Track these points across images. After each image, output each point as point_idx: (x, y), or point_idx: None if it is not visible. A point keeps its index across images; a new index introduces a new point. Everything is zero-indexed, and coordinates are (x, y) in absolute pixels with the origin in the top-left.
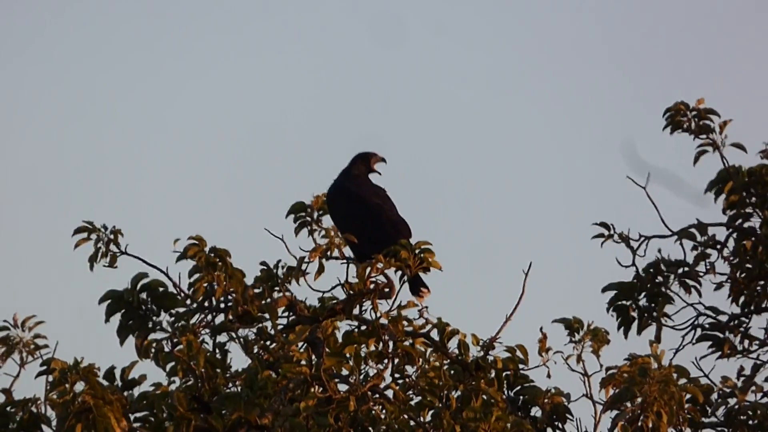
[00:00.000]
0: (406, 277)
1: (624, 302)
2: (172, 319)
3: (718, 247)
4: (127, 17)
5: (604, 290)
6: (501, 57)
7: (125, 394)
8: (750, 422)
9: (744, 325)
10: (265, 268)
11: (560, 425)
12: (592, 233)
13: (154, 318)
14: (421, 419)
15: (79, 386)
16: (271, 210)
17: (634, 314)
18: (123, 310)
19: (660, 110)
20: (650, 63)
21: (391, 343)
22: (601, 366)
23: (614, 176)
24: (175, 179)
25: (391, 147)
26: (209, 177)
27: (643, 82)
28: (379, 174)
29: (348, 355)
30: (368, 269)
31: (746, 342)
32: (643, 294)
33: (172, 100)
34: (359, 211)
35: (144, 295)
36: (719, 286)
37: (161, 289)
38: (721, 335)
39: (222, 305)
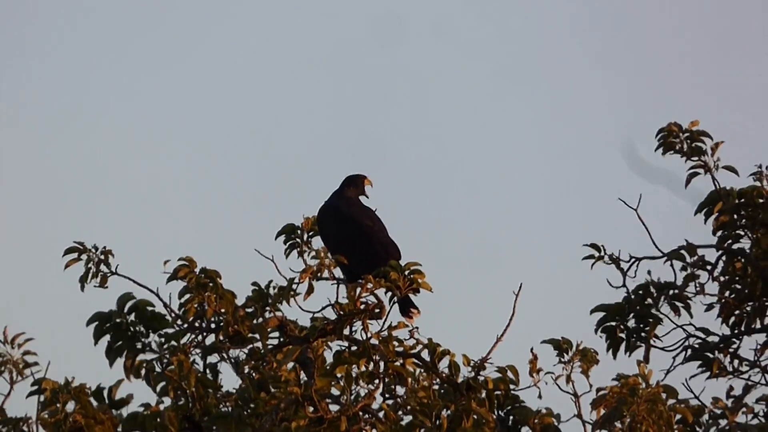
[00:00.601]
0: (396, 298)
1: (612, 323)
2: (161, 339)
3: (708, 268)
4: (120, 22)
5: (592, 312)
6: (501, 57)
7: (114, 413)
8: None
9: (734, 346)
10: (256, 288)
11: None
12: (582, 254)
13: (143, 339)
14: None
15: (71, 406)
16: (262, 230)
17: (623, 335)
18: (111, 332)
19: (660, 110)
20: (651, 63)
21: (381, 364)
22: (591, 386)
23: (607, 192)
24: (165, 199)
25: (391, 147)
26: (200, 198)
27: (644, 82)
28: (367, 197)
29: (339, 376)
30: (358, 290)
31: (736, 362)
32: (632, 315)
33: (168, 112)
34: (350, 232)
35: (132, 317)
36: (710, 307)
37: (150, 309)
38: (711, 355)
39: (213, 326)
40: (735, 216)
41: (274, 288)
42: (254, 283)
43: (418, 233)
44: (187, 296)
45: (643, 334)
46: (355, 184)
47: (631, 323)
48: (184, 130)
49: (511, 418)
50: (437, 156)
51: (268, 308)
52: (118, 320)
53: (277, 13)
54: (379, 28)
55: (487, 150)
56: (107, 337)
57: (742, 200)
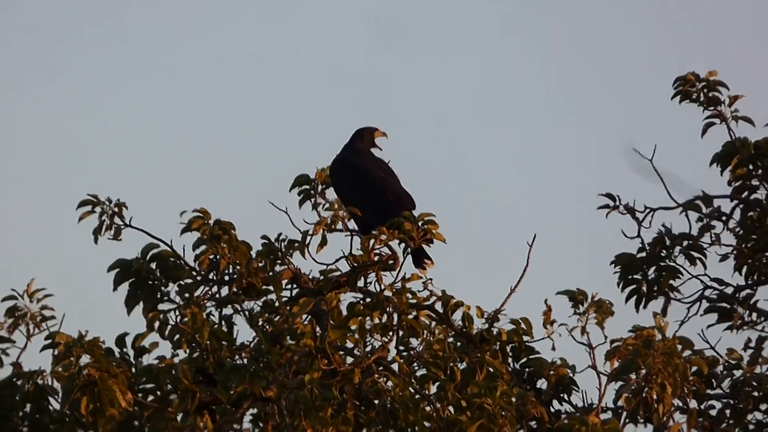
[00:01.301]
0: (409, 250)
1: (635, 276)
2: (180, 290)
3: (724, 218)
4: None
5: (612, 263)
6: (501, 57)
7: (134, 363)
8: (756, 394)
9: (751, 298)
10: (266, 242)
11: (565, 397)
12: (596, 204)
13: (163, 288)
14: (426, 392)
15: (85, 359)
16: (275, 183)
17: (645, 289)
18: (131, 280)
19: (661, 111)
20: (650, 63)
21: (395, 316)
22: (606, 338)
23: (619, 153)
24: (179, 153)
25: (391, 147)
26: (213, 150)
27: (644, 83)
28: (380, 149)
29: (352, 328)
30: (372, 241)
31: (753, 314)
32: (652, 268)
33: (178, 79)
34: (363, 184)
35: (153, 266)
36: (724, 257)
37: (171, 259)
38: (729, 306)
39: (226, 278)
40: (751, 167)
41: (283, 240)
42: (264, 237)
43: (430, 185)
44: (201, 248)
45: (661, 287)
46: (366, 136)
47: (651, 275)
48: (197, 87)
49: (525, 370)
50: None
51: (279, 261)
52: (139, 268)
53: (277, 13)
54: (380, 28)
55: (489, 145)
56: (126, 286)
57: (758, 151)
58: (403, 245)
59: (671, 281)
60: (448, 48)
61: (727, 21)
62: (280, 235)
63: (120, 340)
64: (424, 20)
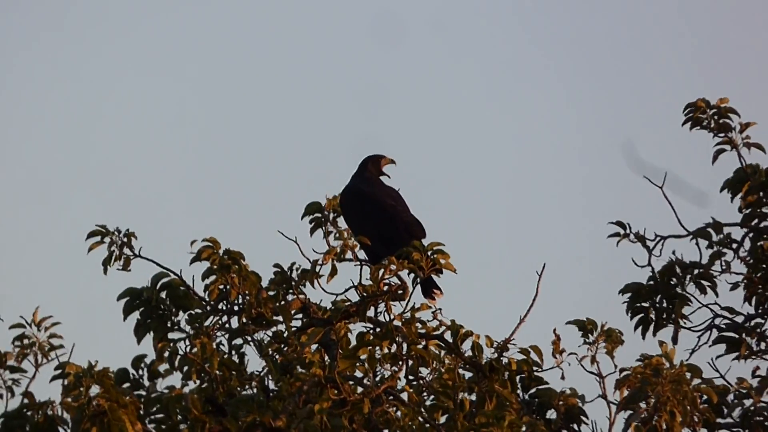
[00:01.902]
0: (418, 279)
1: (643, 304)
2: (190, 319)
3: (734, 246)
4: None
5: (621, 292)
6: (500, 57)
7: (143, 390)
8: (766, 423)
9: (761, 327)
10: (279, 270)
11: (575, 427)
12: (607, 233)
13: (173, 318)
14: (435, 421)
15: (94, 389)
16: (285, 212)
17: (653, 316)
18: (141, 309)
19: (660, 110)
20: (651, 63)
21: (404, 345)
22: (616, 367)
23: (630, 177)
24: (188, 182)
25: (391, 147)
26: (221, 180)
27: (644, 83)
28: (389, 177)
29: (362, 357)
30: (381, 271)
31: (763, 344)
32: (659, 296)
33: (182, 101)
34: (373, 213)
35: (163, 295)
36: (735, 286)
37: (182, 288)
38: (737, 336)
39: (236, 308)
40: (761, 194)
41: (297, 270)
42: (276, 265)
43: (439, 214)
44: (211, 278)
45: (672, 315)
46: (374, 164)
47: (659, 303)
48: (204, 115)
49: (535, 399)
50: (436, 156)
51: (291, 290)
52: (149, 297)
53: (277, 13)
54: (380, 28)
55: (489, 145)
56: (136, 315)
57: None
58: (412, 275)
59: (682, 310)
60: (448, 47)
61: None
62: (293, 264)
63: (136, 362)
64: (424, 20)
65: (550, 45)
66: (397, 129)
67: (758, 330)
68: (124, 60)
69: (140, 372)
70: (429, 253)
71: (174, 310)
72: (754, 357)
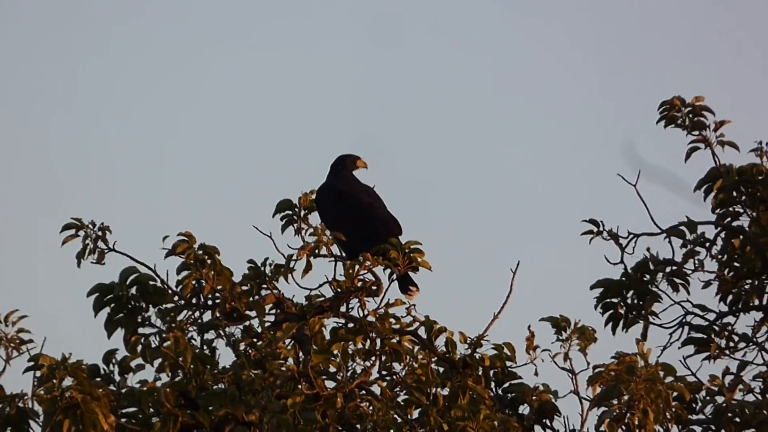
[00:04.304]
0: (394, 276)
1: (612, 300)
2: (161, 314)
3: (707, 245)
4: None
5: (592, 287)
6: (500, 56)
7: (114, 385)
8: (737, 420)
9: (731, 326)
10: (252, 266)
11: (548, 422)
12: (580, 230)
13: (143, 314)
14: (408, 417)
15: (67, 382)
16: (260, 208)
17: (622, 312)
18: (112, 304)
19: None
20: (652, 62)
21: (378, 341)
22: (588, 364)
23: (605, 173)
24: (163, 176)
25: (390, 147)
26: (198, 174)
27: (644, 82)
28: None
29: (335, 353)
30: (356, 267)
31: (732, 341)
32: (630, 292)
33: (165, 96)
34: (350, 211)
35: (133, 290)
36: (707, 284)
37: (152, 283)
38: (706, 337)
39: (210, 302)
40: (734, 193)
41: (270, 265)
42: (250, 261)
43: (417, 211)
44: (185, 272)
45: (642, 312)
46: (349, 163)
47: (630, 300)
48: (186, 110)
49: (508, 395)
50: (435, 155)
51: (264, 285)
52: (119, 293)
53: (277, 13)
54: (379, 28)
55: (488, 145)
56: (107, 310)
57: (742, 177)
58: (387, 271)
59: (652, 307)
60: (448, 47)
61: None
62: (266, 259)
63: (108, 357)
64: (424, 20)
65: (549, 45)
66: (396, 129)
67: (727, 329)
68: (101, 48)
69: (110, 367)
70: (406, 251)
71: (144, 305)
72: (723, 357)
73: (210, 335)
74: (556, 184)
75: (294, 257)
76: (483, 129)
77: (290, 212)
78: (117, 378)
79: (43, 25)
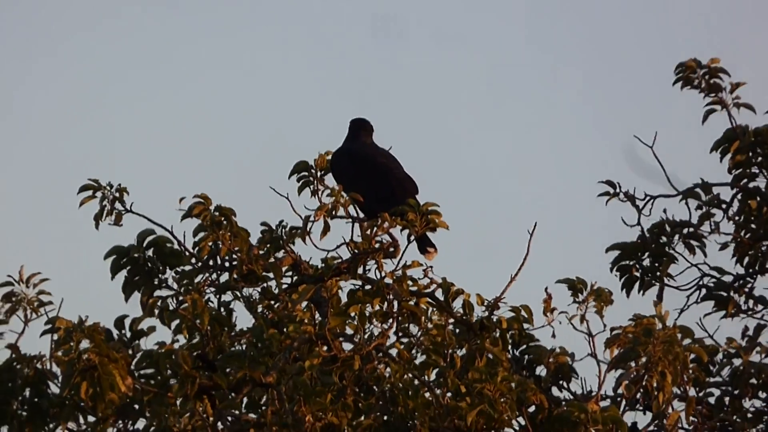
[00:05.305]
0: (412, 237)
1: (627, 262)
2: (178, 276)
3: (723, 206)
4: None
5: (608, 250)
6: (500, 57)
7: (132, 345)
8: (754, 382)
9: (749, 285)
10: (266, 228)
11: (565, 384)
12: (597, 192)
13: (160, 275)
14: (426, 378)
15: (84, 344)
16: (276, 170)
17: (637, 274)
18: (129, 267)
19: (661, 110)
20: (651, 62)
21: (395, 303)
22: (605, 326)
23: (620, 140)
24: (180, 138)
25: (393, 140)
26: (215, 136)
27: (643, 82)
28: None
29: (353, 315)
30: (373, 228)
31: (750, 302)
32: (647, 254)
33: (184, 61)
34: (366, 172)
35: (150, 252)
36: (724, 246)
37: (168, 245)
38: (725, 294)
39: (227, 264)
40: (751, 154)
41: (284, 227)
42: (263, 223)
43: (430, 176)
44: (201, 234)
45: (657, 273)
46: (363, 127)
47: (646, 262)
48: (198, 80)
49: (525, 357)
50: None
51: (282, 247)
52: (136, 255)
53: (277, 13)
54: (380, 28)
55: (487, 145)
56: (124, 273)
57: (759, 138)
58: (405, 231)
59: (668, 269)
60: (448, 48)
61: (730, 9)
62: (281, 222)
63: (119, 323)
64: (424, 20)
65: (550, 45)
66: (395, 129)
67: (745, 288)
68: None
69: (122, 332)
70: (423, 212)
71: (161, 267)
72: (742, 315)
73: (227, 297)
74: (569, 145)
75: (311, 218)
76: (482, 129)
77: (306, 173)
78: (132, 341)
79: None
